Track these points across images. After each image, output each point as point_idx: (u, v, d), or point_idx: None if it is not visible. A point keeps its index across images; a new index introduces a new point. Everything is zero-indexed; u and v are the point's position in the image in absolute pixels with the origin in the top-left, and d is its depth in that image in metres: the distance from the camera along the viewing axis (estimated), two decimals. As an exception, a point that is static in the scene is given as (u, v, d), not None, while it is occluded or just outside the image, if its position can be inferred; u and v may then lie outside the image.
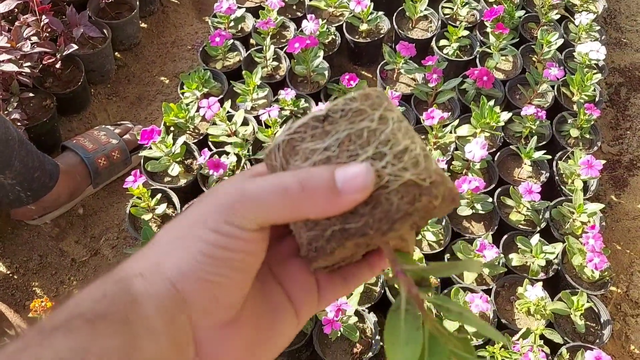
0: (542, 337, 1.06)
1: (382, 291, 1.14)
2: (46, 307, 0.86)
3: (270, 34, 1.48)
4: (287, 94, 1.33)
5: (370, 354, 1.09)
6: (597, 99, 1.45)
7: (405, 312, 0.31)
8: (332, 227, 0.32)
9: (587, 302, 1.11)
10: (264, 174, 0.34)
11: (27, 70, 1.29)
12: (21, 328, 1.03)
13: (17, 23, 1.35)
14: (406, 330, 0.30)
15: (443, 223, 1.23)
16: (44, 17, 1.36)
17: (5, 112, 1.27)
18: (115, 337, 0.29)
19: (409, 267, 0.33)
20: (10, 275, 1.27)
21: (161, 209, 1.21)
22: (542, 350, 1.00)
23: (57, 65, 1.42)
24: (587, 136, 1.40)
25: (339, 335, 1.07)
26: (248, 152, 1.30)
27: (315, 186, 0.30)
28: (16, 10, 1.41)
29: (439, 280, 1.14)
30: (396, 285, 0.34)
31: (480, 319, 0.30)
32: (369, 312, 1.13)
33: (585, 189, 1.31)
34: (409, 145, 0.32)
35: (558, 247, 1.19)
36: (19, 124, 1.27)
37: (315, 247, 0.33)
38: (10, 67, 1.24)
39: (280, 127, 1.29)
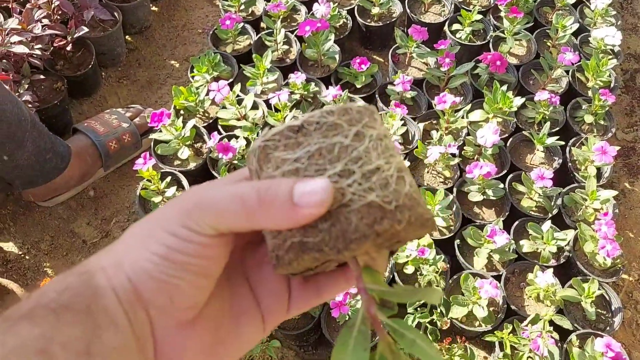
0: (551, 323, 1.05)
1: (391, 276, 1.14)
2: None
3: (281, 17, 1.47)
4: (298, 78, 1.32)
5: (377, 337, 1.09)
6: (612, 85, 1.42)
7: (358, 330, 0.30)
8: (292, 239, 0.31)
9: (598, 289, 1.10)
10: (248, 179, 0.35)
11: (38, 52, 1.29)
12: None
13: (28, 5, 1.35)
14: (354, 349, 0.30)
15: (454, 208, 1.22)
16: (54, -1, 1.36)
17: (17, 94, 1.27)
18: (78, 327, 0.29)
19: (372, 286, 0.32)
20: (22, 255, 1.29)
21: (171, 191, 1.21)
22: (552, 336, 0.99)
23: (68, 48, 1.42)
24: (602, 122, 1.38)
25: (347, 318, 1.07)
26: (257, 136, 1.29)
27: (272, 198, 0.30)
28: (27, -8, 1.41)
29: (448, 265, 1.14)
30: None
31: (434, 349, 0.30)
32: (377, 297, 1.12)
33: (599, 175, 1.30)
34: (382, 165, 0.32)
35: (570, 234, 1.17)
36: (30, 106, 1.28)
37: (276, 255, 0.32)
38: (22, 49, 1.24)
39: (290, 111, 1.28)
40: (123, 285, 0.31)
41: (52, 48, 1.38)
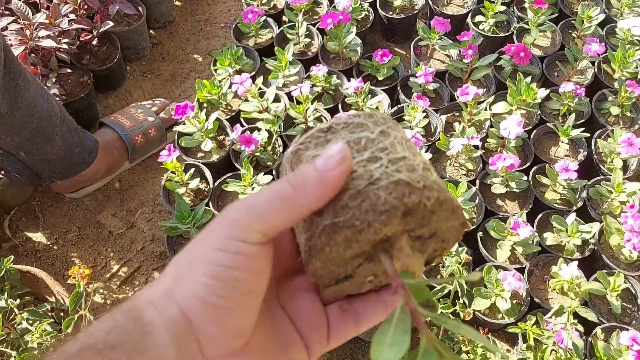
0: (575, 316, 1.04)
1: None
2: (84, 274, 0.89)
3: (303, 10, 1.47)
4: (319, 70, 1.33)
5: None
6: (639, 77, 1.40)
7: (398, 318, 0.31)
8: (324, 223, 0.32)
9: (624, 282, 1.09)
10: None
11: (65, 46, 1.31)
12: (61, 295, 1.07)
13: (55, 0, 1.37)
14: (394, 333, 0.30)
15: (476, 201, 1.21)
16: (81, -6, 1.38)
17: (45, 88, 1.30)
18: None
19: (411, 281, 0.32)
20: (51, 245, 1.32)
21: (194, 183, 1.23)
22: (576, 329, 0.98)
23: (94, 42, 1.44)
24: (628, 114, 1.36)
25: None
26: (279, 128, 1.30)
27: (303, 179, 0.32)
28: (54, -12, 1.44)
29: (471, 257, 1.13)
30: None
31: (474, 331, 0.30)
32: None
33: (625, 168, 1.28)
34: (408, 155, 0.33)
35: (595, 227, 1.16)
36: (57, 99, 1.30)
37: (309, 246, 0.33)
38: (49, 43, 1.26)
39: (312, 104, 1.29)
40: (173, 317, 0.31)
41: (78, 42, 1.41)
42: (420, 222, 0.33)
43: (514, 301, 1.10)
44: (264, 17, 1.50)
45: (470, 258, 1.13)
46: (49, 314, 1.05)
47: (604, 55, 1.38)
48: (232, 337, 0.32)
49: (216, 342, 0.31)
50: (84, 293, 0.92)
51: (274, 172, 1.24)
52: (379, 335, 0.30)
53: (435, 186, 0.32)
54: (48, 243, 1.32)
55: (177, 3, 1.75)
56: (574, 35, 1.51)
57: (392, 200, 0.31)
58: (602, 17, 1.45)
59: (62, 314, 1.06)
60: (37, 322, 0.97)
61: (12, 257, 1.02)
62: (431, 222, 0.33)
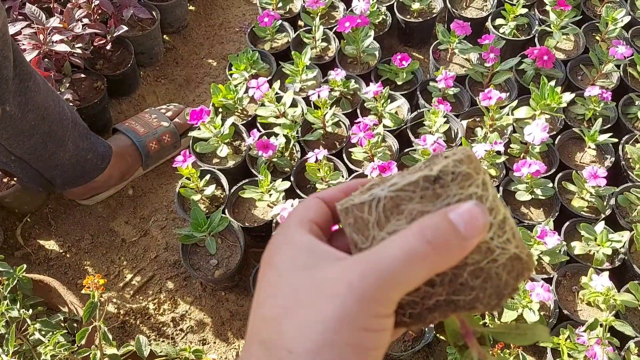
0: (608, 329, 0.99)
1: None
2: (99, 284, 0.86)
3: (320, 13, 1.45)
4: (337, 75, 1.30)
5: (423, 342, 1.06)
6: (667, 80, 1.36)
7: None
8: (437, 297, 0.31)
9: (657, 294, 1.04)
10: (319, 215, 0.34)
11: (79, 51, 1.29)
12: (74, 305, 1.04)
13: (69, 5, 1.36)
14: None
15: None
16: (95, -2, 1.37)
17: (58, 93, 1.28)
18: None
19: (476, 328, 0.33)
20: (63, 253, 1.29)
21: (210, 190, 1.20)
22: (611, 343, 0.94)
23: (108, 47, 1.43)
24: (656, 119, 1.31)
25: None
26: (297, 133, 1.27)
27: (444, 239, 0.29)
28: (68, -8, 1.42)
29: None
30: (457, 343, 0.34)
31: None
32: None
33: (655, 174, 1.23)
34: (505, 213, 0.32)
35: (625, 236, 1.11)
36: (70, 104, 1.28)
37: (409, 313, 0.31)
38: (63, 48, 1.24)
39: (330, 109, 1.26)
40: None
41: (92, 47, 1.39)
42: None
43: (542, 313, 1.06)
44: (280, 21, 1.47)
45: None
46: (62, 324, 1.02)
47: (630, 58, 1.34)
48: None
49: None
50: (98, 303, 0.89)
51: (292, 179, 1.21)
52: None
53: (528, 250, 0.33)
54: (61, 251, 1.30)
55: (191, 8, 1.73)
56: (597, 38, 1.47)
57: (512, 282, 0.31)
58: (627, 19, 1.41)
59: (75, 325, 1.03)
60: (50, 333, 0.94)
61: (25, 265, 1.00)
62: None
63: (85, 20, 1.36)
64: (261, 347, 0.29)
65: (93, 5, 1.37)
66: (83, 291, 0.89)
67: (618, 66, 1.38)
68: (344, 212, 0.33)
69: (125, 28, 1.40)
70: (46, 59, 1.29)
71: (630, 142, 1.27)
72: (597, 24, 1.45)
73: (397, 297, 0.29)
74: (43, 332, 0.94)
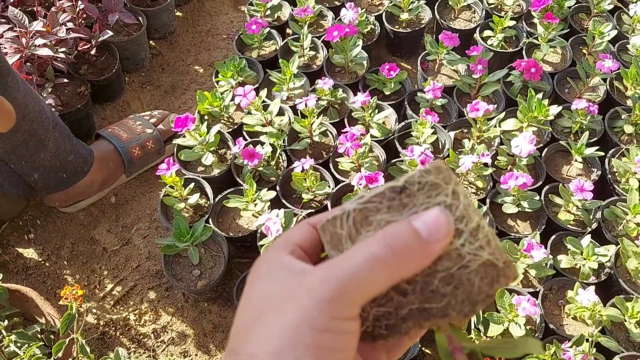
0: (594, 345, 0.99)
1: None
2: (77, 295, 0.84)
3: (308, 22, 1.44)
4: (325, 84, 1.29)
5: (408, 356, 1.04)
6: (652, 94, 1.36)
7: None
8: (410, 306, 0.31)
9: (643, 308, 1.04)
10: (305, 240, 0.34)
11: (62, 55, 1.27)
12: (51, 316, 1.01)
13: (53, 8, 1.33)
14: None
15: (487, 220, 1.17)
16: (79, 2, 1.35)
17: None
18: None
19: (465, 344, 0.32)
20: (43, 262, 1.26)
21: (194, 198, 1.18)
22: (597, 359, 0.93)
23: (92, 52, 1.40)
24: (642, 133, 1.32)
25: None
26: (284, 142, 1.26)
27: (404, 244, 0.29)
28: (53, -4, 1.40)
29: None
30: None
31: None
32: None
33: (640, 188, 1.23)
34: (480, 221, 0.32)
35: (611, 250, 1.11)
36: (53, 109, 1.25)
37: (385, 324, 0.31)
38: (46, 52, 1.22)
39: (317, 118, 1.24)
40: None
41: (76, 52, 1.37)
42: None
43: (528, 327, 1.05)
44: (268, 29, 1.46)
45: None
46: (39, 336, 0.99)
47: (617, 72, 1.34)
48: None
49: None
50: (76, 315, 0.86)
51: (278, 188, 1.19)
52: None
53: (508, 258, 0.32)
54: (40, 260, 1.27)
55: (178, 13, 1.71)
56: (584, 51, 1.48)
57: (485, 289, 0.31)
58: (613, 33, 1.42)
59: (52, 337, 1.00)
60: (26, 345, 0.92)
61: (1, 275, 0.97)
62: None
63: (70, 25, 1.34)
64: (228, 355, 0.30)
65: (78, 9, 1.35)
66: (61, 302, 0.86)
67: (605, 80, 1.39)
68: (322, 230, 0.33)
69: (111, 33, 1.38)
70: (28, 63, 1.26)
71: (617, 156, 1.27)
72: (584, 38, 1.46)
73: (357, 299, 0.29)
74: (19, 344, 0.92)
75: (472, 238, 0.31)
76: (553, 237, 1.16)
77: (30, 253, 1.27)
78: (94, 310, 1.20)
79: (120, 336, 1.17)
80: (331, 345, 0.28)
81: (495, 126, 1.27)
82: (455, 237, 0.31)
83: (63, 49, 1.29)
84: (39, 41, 1.23)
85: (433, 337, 1.06)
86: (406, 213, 0.31)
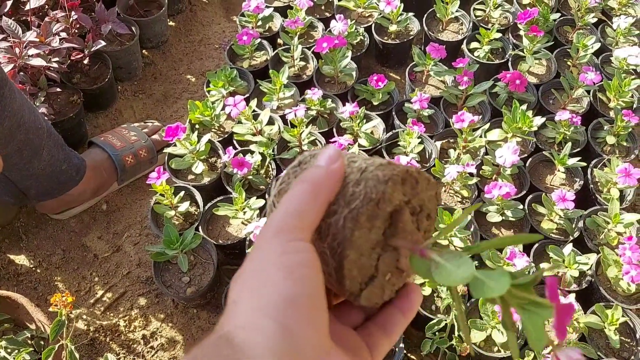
0: (574, 351, 1.01)
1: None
2: (67, 302, 0.85)
3: (298, 33, 1.46)
4: (314, 94, 1.31)
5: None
6: (634, 106, 1.39)
7: (444, 258, 0.35)
8: (342, 215, 0.37)
9: (622, 316, 1.06)
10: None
11: (55, 65, 1.29)
12: (42, 322, 1.02)
13: (46, 19, 1.35)
14: (452, 258, 0.34)
15: (472, 229, 1.19)
16: (73, 13, 1.37)
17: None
18: None
19: (429, 243, 0.38)
20: (33, 268, 1.28)
21: (184, 206, 1.20)
22: (575, 365, 0.95)
23: (85, 61, 1.42)
24: (624, 144, 1.35)
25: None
26: (273, 151, 1.28)
27: (313, 175, 0.37)
28: (46, 6, 1.42)
29: (466, 288, 1.10)
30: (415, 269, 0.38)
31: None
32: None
33: (622, 198, 1.26)
34: (371, 161, 0.39)
35: (592, 258, 1.14)
36: (45, 118, 1.27)
37: (337, 243, 0.36)
38: (39, 62, 1.24)
39: (307, 127, 1.27)
40: (269, 332, 0.30)
41: (69, 61, 1.39)
42: (412, 191, 0.39)
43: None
44: (259, 40, 1.48)
45: (466, 288, 1.11)
46: (29, 342, 1.01)
47: (600, 84, 1.38)
48: (325, 336, 0.33)
49: (314, 345, 0.32)
50: (66, 322, 0.88)
51: (267, 196, 1.21)
52: (441, 272, 0.34)
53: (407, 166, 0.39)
54: (31, 266, 1.28)
55: (171, 23, 1.73)
56: (569, 63, 1.51)
57: (388, 174, 0.37)
58: (597, 45, 1.46)
59: (42, 342, 1.02)
60: (16, 351, 0.93)
61: (-8, 281, 0.98)
62: (418, 191, 0.40)
63: (63, 35, 1.36)
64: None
65: (71, 19, 1.37)
66: (51, 309, 0.88)
67: (588, 91, 1.42)
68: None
69: (104, 43, 1.40)
70: (22, 73, 1.28)
71: (599, 166, 1.30)
72: (569, 50, 1.49)
73: (299, 223, 0.35)
74: (9, 350, 0.93)
75: (368, 161, 0.39)
76: (536, 245, 1.18)
77: (21, 259, 1.29)
78: (84, 317, 1.22)
79: (110, 342, 1.19)
80: (296, 262, 0.33)
81: (480, 136, 1.30)
82: (352, 162, 0.39)
83: (56, 59, 1.31)
84: (33, 51, 1.25)
85: (418, 343, 1.07)
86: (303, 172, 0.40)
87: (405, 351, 1.12)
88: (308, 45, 1.51)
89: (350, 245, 0.36)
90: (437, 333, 1.02)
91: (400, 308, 0.41)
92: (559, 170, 1.30)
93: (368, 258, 0.38)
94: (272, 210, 0.39)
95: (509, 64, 1.49)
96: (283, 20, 1.53)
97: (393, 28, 1.54)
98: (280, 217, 0.36)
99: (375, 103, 1.40)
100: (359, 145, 1.29)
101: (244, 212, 1.17)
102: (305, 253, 0.34)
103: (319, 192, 0.37)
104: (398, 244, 0.38)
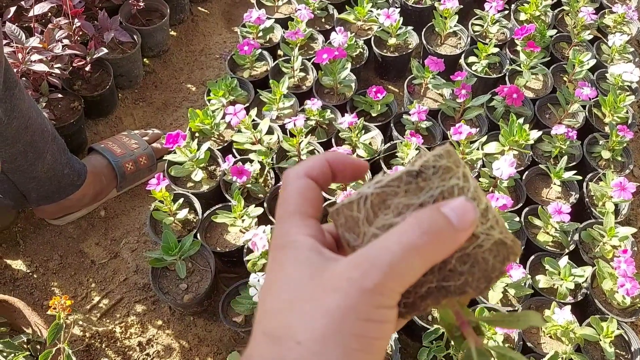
0: (569, 362, 1.02)
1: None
2: (65, 305, 0.85)
3: (299, 44, 1.48)
4: (314, 104, 1.32)
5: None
6: (629, 122, 1.41)
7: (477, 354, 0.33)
8: (429, 285, 0.32)
9: (617, 329, 1.07)
10: (313, 226, 0.34)
11: (57, 71, 1.30)
12: (38, 326, 1.02)
13: (50, 25, 1.37)
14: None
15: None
16: (76, 20, 1.38)
17: (34, 112, 1.28)
18: None
19: (471, 319, 0.34)
20: (30, 274, 1.27)
21: (182, 213, 1.20)
22: (570, 376, 0.96)
23: (87, 68, 1.43)
24: (619, 159, 1.36)
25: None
26: (272, 160, 1.29)
27: (439, 231, 0.30)
28: (50, 13, 1.44)
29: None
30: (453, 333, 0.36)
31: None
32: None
33: (617, 212, 1.28)
34: (487, 202, 0.34)
35: (587, 271, 1.15)
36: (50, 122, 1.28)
37: (404, 303, 0.33)
38: (41, 67, 1.25)
39: (306, 137, 1.28)
40: None
41: (71, 68, 1.40)
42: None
43: (507, 345, 1.08)
44: (260, 50, 1.50)
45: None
46: (25, 346, 1.01)
47: (595, 99, 1.40)
48: None
49: None
50: (64, 325, 0.88)
51: (265, 205, 1.22)
52: None
53: (513, 236, 0.35)
54: (28, 271, 1.28)
55: (172, 33, 1.75)
56: (565, 78, 1.53)
57: (498, 266, 0.33)
58: (592, 62, 1.48)
59: (38, 347, 1.01)
60: (13, 354, 0.93)
61: (-10, 285, 0.98)
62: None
63: (66, 41, 1.37)
64: (266, 337, 0.31)
65: (74, 26, 1.38)
66: (49, 312, 0.88)
67: (584, 106, 1.44)
68: (335, 213, 0.35)
69: (105, 50, 1.41)
70: (24, 78, 1.29)
71: (594, 180, 1.32)
72: (565, 66, 1.51)
73: (398, 288, 0.30)
74: (5, 354, 0.93)
75: (484, 219, 0.33)
76: (532, 257, 1.19)
77: (18, 264, 1.28)
78: (80, 322, 1.21)
79: (106, 348, 1.19)
80: (373, 334, 0.29)
81: (477, 149, 1.32)
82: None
83: (58, 65, 1.32)
84: (35, 57, 1.26)
85: (414, 353, 1.06)
86: (423, 196, 0.32)
87: (399, 353, 1.12)
88: (308, 57, 1.53)
89: (412, 313, 0.34)
90: (434, 342, 1.03)
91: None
92: (554, 184, 1.31)
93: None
94: (354, 210, 0.34)
95: (506, 78, 1.51)
96: (284, 32, 1.55)
97: (392, 41, 1.56)
98: (384, 269, 0.29)
99: (373, 114, 1.42)
100: (358, 156, 1.30)
101: (243, 220, 1.17)
102: (389, 324, 0.30)
103: (433, 257, 0.31)
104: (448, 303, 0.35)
